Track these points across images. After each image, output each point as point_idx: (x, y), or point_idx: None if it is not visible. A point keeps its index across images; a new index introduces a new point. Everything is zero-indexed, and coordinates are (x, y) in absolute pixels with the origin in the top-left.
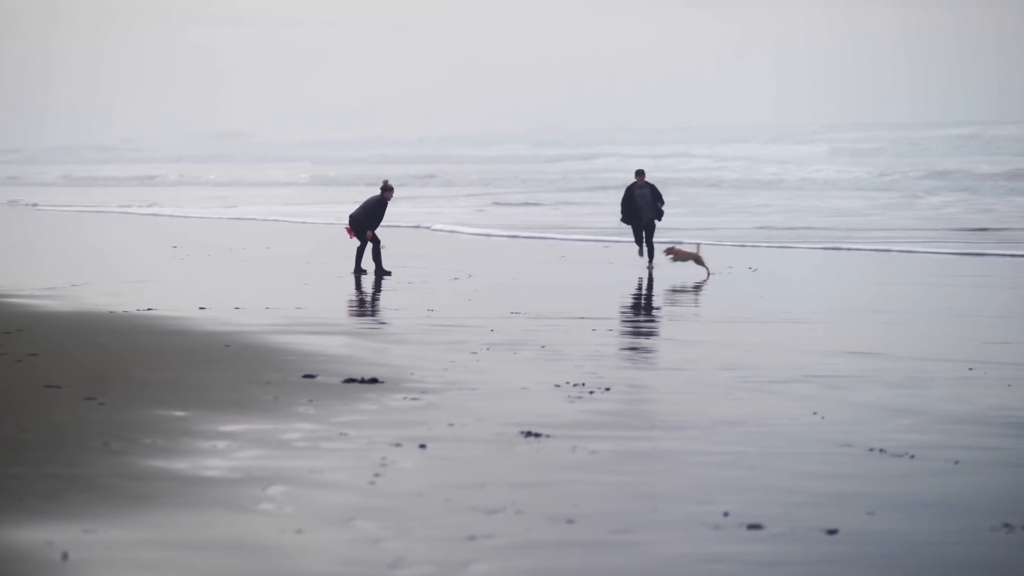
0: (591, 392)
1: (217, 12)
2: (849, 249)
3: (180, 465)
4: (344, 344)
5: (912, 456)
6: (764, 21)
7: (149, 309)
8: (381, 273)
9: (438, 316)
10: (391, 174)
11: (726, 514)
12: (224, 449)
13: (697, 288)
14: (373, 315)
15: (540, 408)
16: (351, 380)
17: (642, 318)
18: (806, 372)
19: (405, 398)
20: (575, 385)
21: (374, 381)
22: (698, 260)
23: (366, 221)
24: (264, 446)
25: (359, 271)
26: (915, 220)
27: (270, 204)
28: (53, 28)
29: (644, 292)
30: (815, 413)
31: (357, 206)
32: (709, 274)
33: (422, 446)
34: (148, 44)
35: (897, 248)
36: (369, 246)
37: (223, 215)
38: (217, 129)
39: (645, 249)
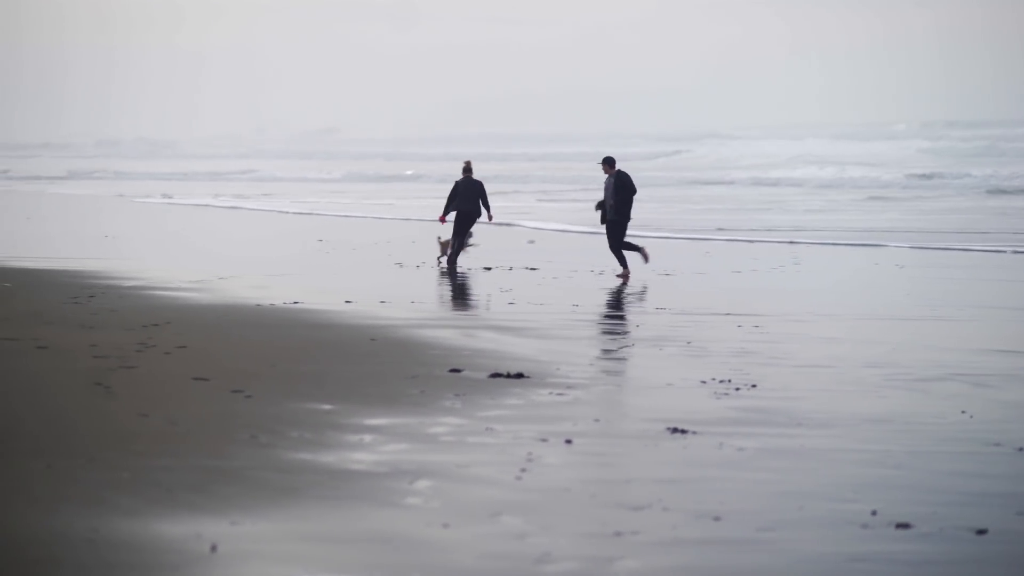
0: (737, 389)
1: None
2: (981, 250)
3: (327, 458)
4: (489, 339)
5: None
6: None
7: (295, 302)
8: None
9: (582, 311)
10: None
11: (874, 513)
12: (371, 443)
13: (841, 284)
14: (517, 310)
15: (686, 404)
16: (497, 375)
17: (786, 315)
18: (952, 370)
19: (551, 393)
20: (721, 381)
21: (520, 376)
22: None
23: (479, 208)
24: (411, 440)
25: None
26: None
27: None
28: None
29: (785, 288)
30: (963, 412)
31: (449, 201)
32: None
33: (568, 441)
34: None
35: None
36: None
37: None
38: (313, 126)
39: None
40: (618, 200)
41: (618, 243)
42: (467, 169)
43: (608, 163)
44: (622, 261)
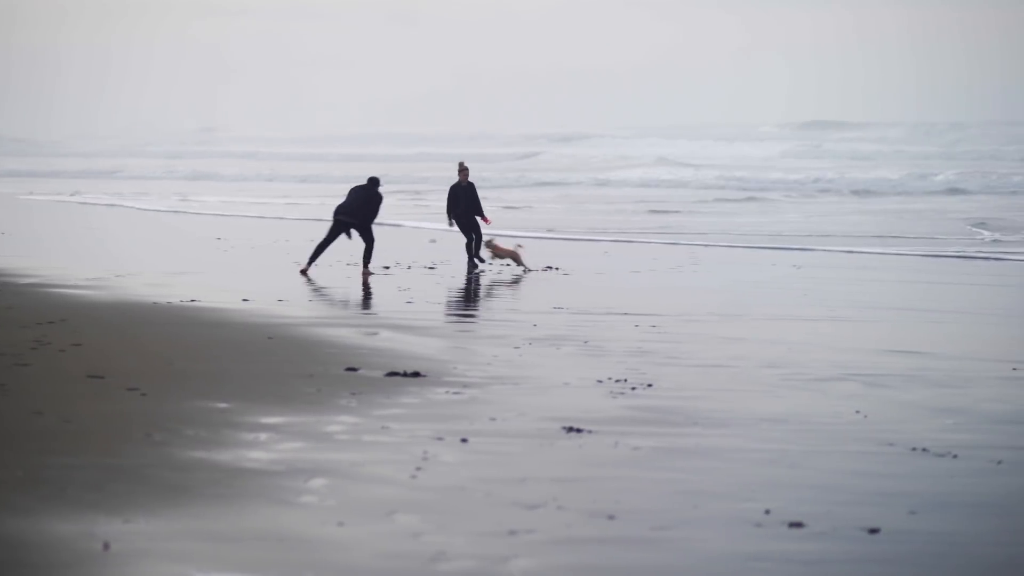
0: (633, 388)
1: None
2: (876, 252)
3: (222, 457)
4: (387, 338)
5: (955, 456)
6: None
7: (192, 300)
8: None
9: (481, 310)
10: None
11: (767, 512)
12: (266, 441)
13: (739, 285)
14: (414, 309)
15: (582, 403)
16: (393, 373)
17: (684, 314)
18: (849, 370)
19: (447, 392)
20: (617, 381)
21: (416, 375)
22: (516, 257)
23: (475, 210)
24: (306, 439)
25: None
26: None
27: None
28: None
29: (684, 288)
30: (857, 411)
31: (452, 205)
32: (526, 271)
33: (464, 440)
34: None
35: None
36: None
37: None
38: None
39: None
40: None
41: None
42: (463, 171)
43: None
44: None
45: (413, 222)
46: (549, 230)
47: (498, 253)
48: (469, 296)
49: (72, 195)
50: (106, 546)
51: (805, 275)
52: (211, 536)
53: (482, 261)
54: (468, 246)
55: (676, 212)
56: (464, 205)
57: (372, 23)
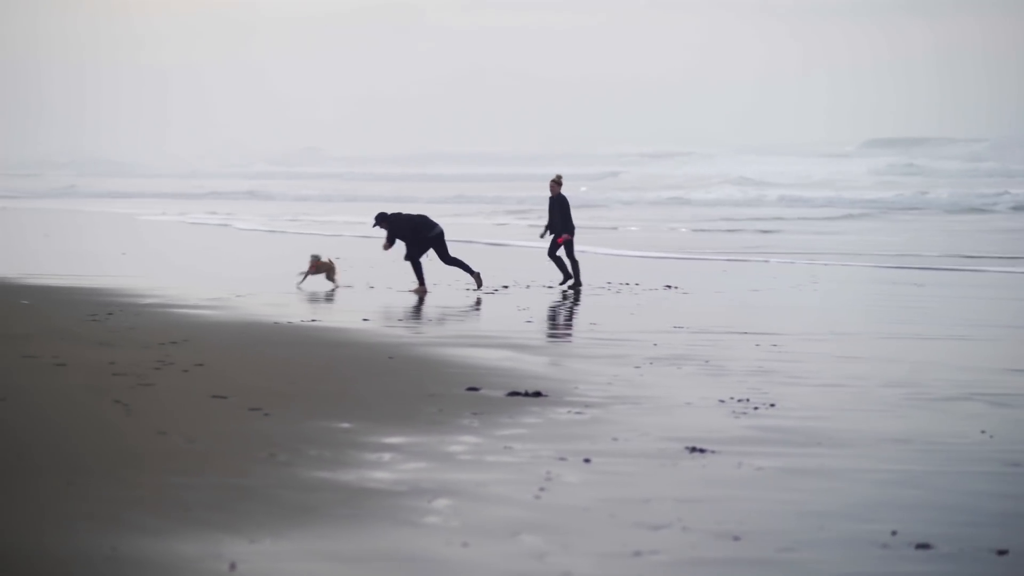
0: (755, 408)
1: None
2: (997, 271)
3: (346, 477)
4: (507, 357)
5: None
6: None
7: (313, 320)
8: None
9: (600, 330)
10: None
11: (894, 533)
12: (389, 461)
13: (859, 303)
14: (533, 328)
15: (704, 423)
16: (515, 393)
17: (804, 333)
18: (973, 390)
19: (569, 412)
20: (739, 400)
21: (538, 394)
22: (329, 274)
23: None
24: (429, 459)
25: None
26: None
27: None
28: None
29: (804, 307)
30: (983, 431)
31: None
32: (336, 287)
33: (587, 460)
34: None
35: None
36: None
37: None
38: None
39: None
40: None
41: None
42: (559, 183)
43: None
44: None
45: (525, 241)
46: (660, 249)
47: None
48: (588, 315)
49: (180, 215)
50: (232, 566)
51: (926, 293)
52: (337, 557)
53: (576, 283)
54: (559, 261)
55: (779, 232)
56: (552, 218)
57: (462, 48)
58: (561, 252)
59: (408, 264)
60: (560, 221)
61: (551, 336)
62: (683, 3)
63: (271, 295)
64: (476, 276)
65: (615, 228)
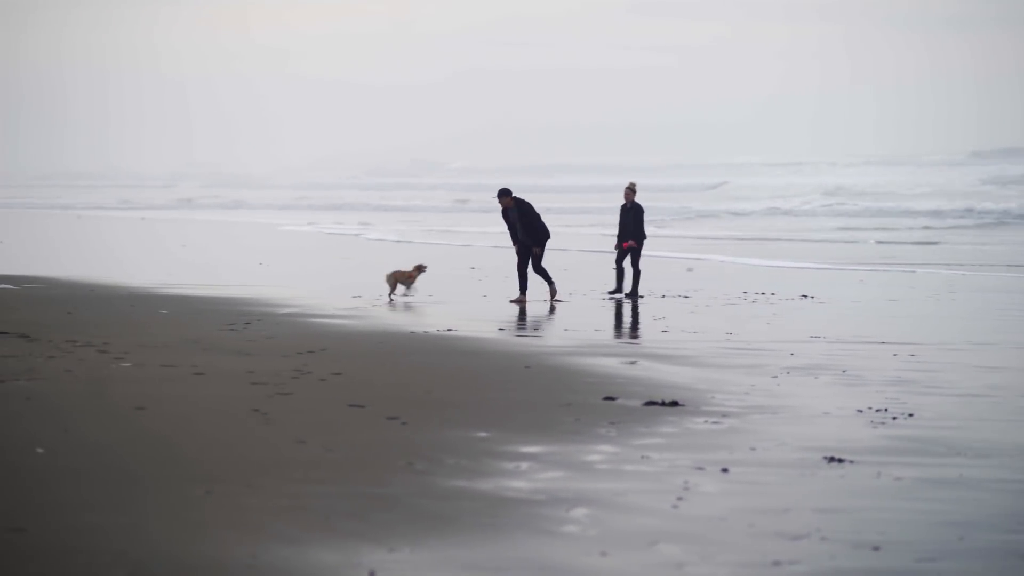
0: (894, 418)
1: None
2: None
3: (484, 486)
4: (644, 367)
5: None
6: None
7: (449, 330)
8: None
9: (736, 339)
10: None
11: None
12: (527, 470)
13: (997, 313)
14: (669, 338)
15: (842, 433)
16: (651, 403)
17: (942, 343)
18: None
19: (706, 421)
20: (877, 410)
21: (674, 404)
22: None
23: (631, 232)
24: (566, 468)
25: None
26: None
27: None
28: None
29: (941, 316)
30: None
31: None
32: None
33: (724, 470)
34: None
35: None
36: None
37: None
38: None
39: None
40: (523, 225)
41: (525, 266)
42: (633, 191)
43: (503, 194)
44: (523, 286)
45: (664, 252)
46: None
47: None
48: (725, 325)
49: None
50: (371, 575)
51: None
52: (475, 566)
53: (640, 297)
54: (620, 273)
55: (902, 243)
56: (621, 227)
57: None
58: (626, 262)
59: (529, 269)
60: (633, 229)
61: (687, 345)
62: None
63: (406, 304)
64: (553, 286)
65: (744, 239)
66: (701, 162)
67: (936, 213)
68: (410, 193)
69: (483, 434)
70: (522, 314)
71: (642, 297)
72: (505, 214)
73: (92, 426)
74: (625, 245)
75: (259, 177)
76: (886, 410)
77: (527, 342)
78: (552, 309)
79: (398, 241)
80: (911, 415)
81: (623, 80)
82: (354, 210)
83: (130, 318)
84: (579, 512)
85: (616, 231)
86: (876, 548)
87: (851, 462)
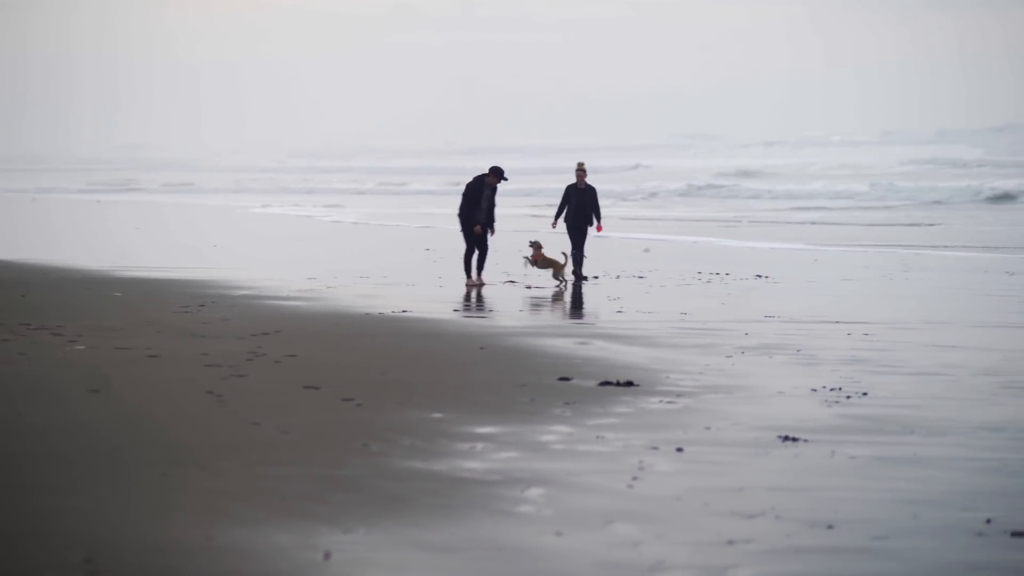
0: (848, 397)
1: None
2: None
3: (439, 467)
4: (598, 347)
5: None
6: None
7: (404, 311)
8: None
9: (691, 319)
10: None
11: (989, 521)
12: (482, 451)
13: (951, 292)
14: (624, 319)
15: (797, 412)
16: (606, 383)
17: (896, 322)
18: None
19: (661, 401)
20: (831, 389)
21: (629, 384)
22: (557, 268)
23: (588, 217)
24: (521, 448)
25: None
26: None
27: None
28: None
29: (895, 296)
30: None
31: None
32: (564, 283)
33: (679, 449)
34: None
35: None
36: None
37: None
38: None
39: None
40: (490, 207)
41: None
42: (580, 172)
43: (496, 173)
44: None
45: (623, 232)
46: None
47: (541, 262)
48: (679, 305)
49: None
50: (327, 556)
51: (1017, 282)
52: (431, 546)
53: (584, 279)
54: (576, 256)
55: (878, 225)
56: (575, 209)
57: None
58: (567, 246)
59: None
60: (590, 210)
61: (642, 326)
62: None
63: (362, 286)
64: (481, 273)
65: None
66: (615, 144)
67: (871, 193)
68: (348, 176)
69: (438, 415)
70: (478, 296)
71: (586, 279)
72: (484, 192)
73: (46, 409)
74: (599, 229)
75: (206, 160)
76: (840, 389)
77: (482, 323)
78: (488, 289)
79: (355, 223)
80: (865, 394)
81: (537, 53)
82: (300, 193)
83: (84, 301)
84: (534, 492)
85: (558, 211)
86: (830, 526)
87: (805, 441)
